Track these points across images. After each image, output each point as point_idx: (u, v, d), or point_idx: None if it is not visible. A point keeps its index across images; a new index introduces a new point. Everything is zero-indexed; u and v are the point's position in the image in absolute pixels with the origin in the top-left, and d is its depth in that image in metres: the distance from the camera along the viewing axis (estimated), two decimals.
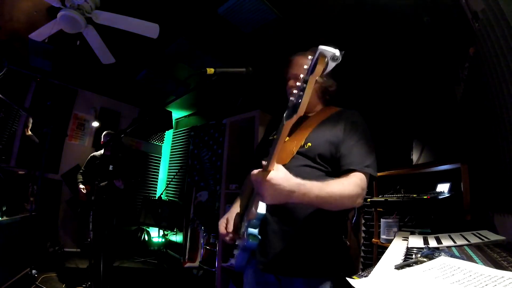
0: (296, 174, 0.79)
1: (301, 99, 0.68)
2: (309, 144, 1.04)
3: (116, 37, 2.61)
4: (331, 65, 0.64)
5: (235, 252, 1.16)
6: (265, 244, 1.01)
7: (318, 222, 1.00)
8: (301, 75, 0.68)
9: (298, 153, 1.05)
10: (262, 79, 3.13)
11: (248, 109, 3.19)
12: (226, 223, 1.14)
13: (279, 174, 0.76)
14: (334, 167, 1.01)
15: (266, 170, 0.76)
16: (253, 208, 0.96)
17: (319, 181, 0.86)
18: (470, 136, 1.68)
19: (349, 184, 0.90)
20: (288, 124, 0.74)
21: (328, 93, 1.18)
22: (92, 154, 3.38)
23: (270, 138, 1.23)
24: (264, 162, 0.79)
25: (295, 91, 0.71)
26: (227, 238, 1.11)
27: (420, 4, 1.87)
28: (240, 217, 1.16)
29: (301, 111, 0.69)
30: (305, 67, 0.67)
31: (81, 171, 3.32)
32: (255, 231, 0.98)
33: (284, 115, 0.74)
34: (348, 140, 1.00)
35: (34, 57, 3.40)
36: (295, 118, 0.71)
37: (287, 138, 1.08)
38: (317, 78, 0.68)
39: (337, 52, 0.63)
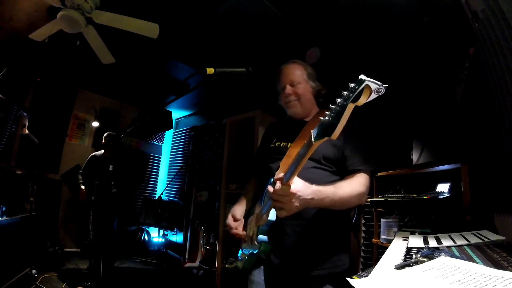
0: (307, 175, 0.84)
1: (336, 127, 0.63)
2: None
3: (116, 37, 2.61)
4: (372, 97, 0.61)
5: (241, 255, 1.21)
6: (280, 247, 1.06)
7: (327, 222, 1.06)
8: (338, 100, 0.64)
9: None
10: (262, 79, 3.13)
11: (248, 109, 3.19)
12: (234, 219, 1.19)
13: (299, 184, 0.82)
14: (339, 167, 1.10)
15: (286, 184, 0.79)
16: (265, 216, 1.00)
17: (328, 181, 0.96)
18: (470, 136, 1.67)
19: (357, 185, 1.00)
20: (316, 145, 0.72)
21: (321, 96, 1.26)
22: (92, 154, 3.38)
23: (271, 145, 1.25)
24: (279, 176, 0.82)
25: (328, 113, 0.66)
26: (237, 233, 1.16)
27: (420, 4, 1.86)
28: (246, 219, 1.19)
29: (334, 136, 0.65)
30: (345, 93, 0.62)
31: (80, 171, 3.31)
32: (265, 237, 1.03)
33: (314, 133, 0.71)
34: (350, 142, 1.08)
35: (34, 57, 3.39)
36: (324, 140, 0.68)
37: (290, 144, 1.16)
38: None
39: (382, 87, 0.58)
